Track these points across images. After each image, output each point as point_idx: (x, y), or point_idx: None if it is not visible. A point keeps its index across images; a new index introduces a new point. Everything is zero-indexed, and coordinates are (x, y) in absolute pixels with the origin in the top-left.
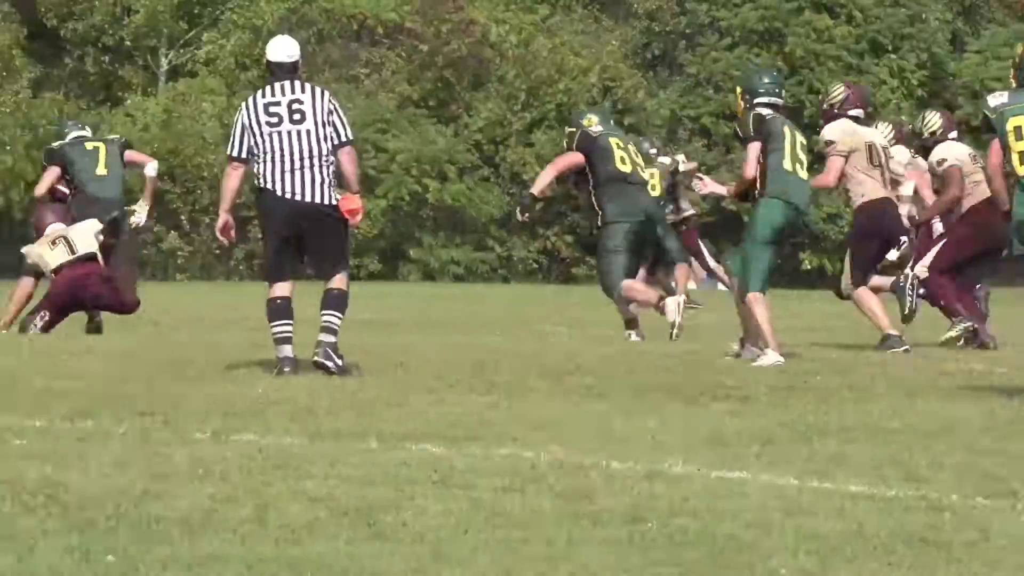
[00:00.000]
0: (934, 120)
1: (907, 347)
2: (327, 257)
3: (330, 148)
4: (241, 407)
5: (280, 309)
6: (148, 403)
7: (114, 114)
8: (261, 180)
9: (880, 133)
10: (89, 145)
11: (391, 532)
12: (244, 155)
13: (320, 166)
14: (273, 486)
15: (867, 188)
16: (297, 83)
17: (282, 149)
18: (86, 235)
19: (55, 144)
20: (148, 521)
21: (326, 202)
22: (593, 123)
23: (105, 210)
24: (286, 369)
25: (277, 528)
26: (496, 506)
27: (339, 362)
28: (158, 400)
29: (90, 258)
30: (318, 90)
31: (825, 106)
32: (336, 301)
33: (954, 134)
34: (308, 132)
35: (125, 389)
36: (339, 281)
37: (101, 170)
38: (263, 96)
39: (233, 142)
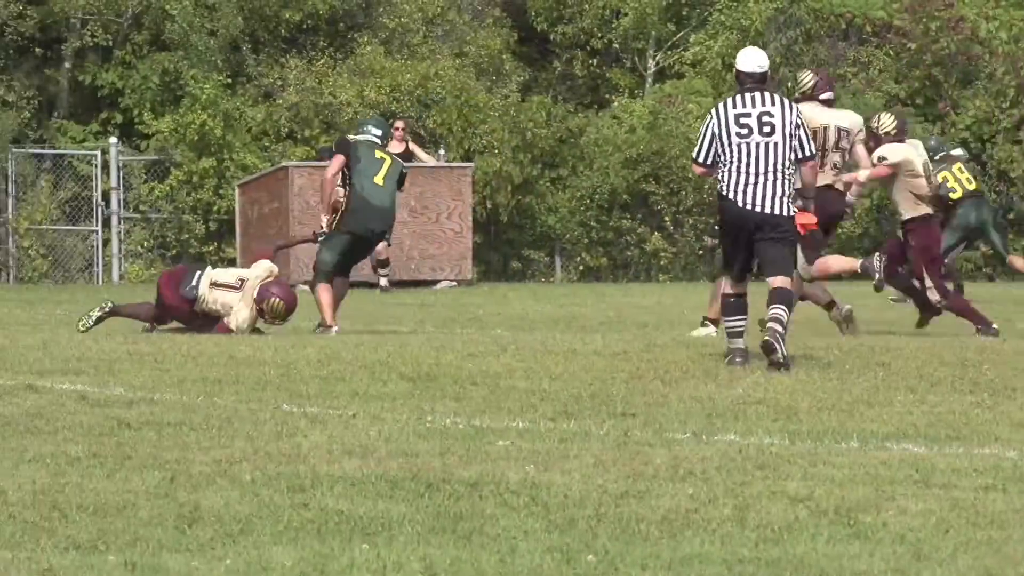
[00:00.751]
0: (887, 121)
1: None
2: (775, 263)
3: (792, 161)
4: (722, 407)
5: (734, 305)
6: (630, 404)
7: (601, 117)
8: (724, 189)
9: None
10: (378, 154)
11: (871, 532)
12: (709, 161)
13: (782, 179)
14: (753, 486)
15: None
16: (767, 94)
17: (748, 160)
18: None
19: (350, 136)
20: (628, 521)
21: (784, 213)
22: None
23: (378, 216)
24: (737, 360)
25: (757, 528)
26: (977, 505)
27: (784, 350)
28: (640, 401)
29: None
30: (787, 103)
31: (797, 94)
32: (781, 296)
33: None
34: (776, 145)
35: (607, 390)
36: (782, 281)
37: (379, 179)
38: (733, 106)
39: (700, 147)
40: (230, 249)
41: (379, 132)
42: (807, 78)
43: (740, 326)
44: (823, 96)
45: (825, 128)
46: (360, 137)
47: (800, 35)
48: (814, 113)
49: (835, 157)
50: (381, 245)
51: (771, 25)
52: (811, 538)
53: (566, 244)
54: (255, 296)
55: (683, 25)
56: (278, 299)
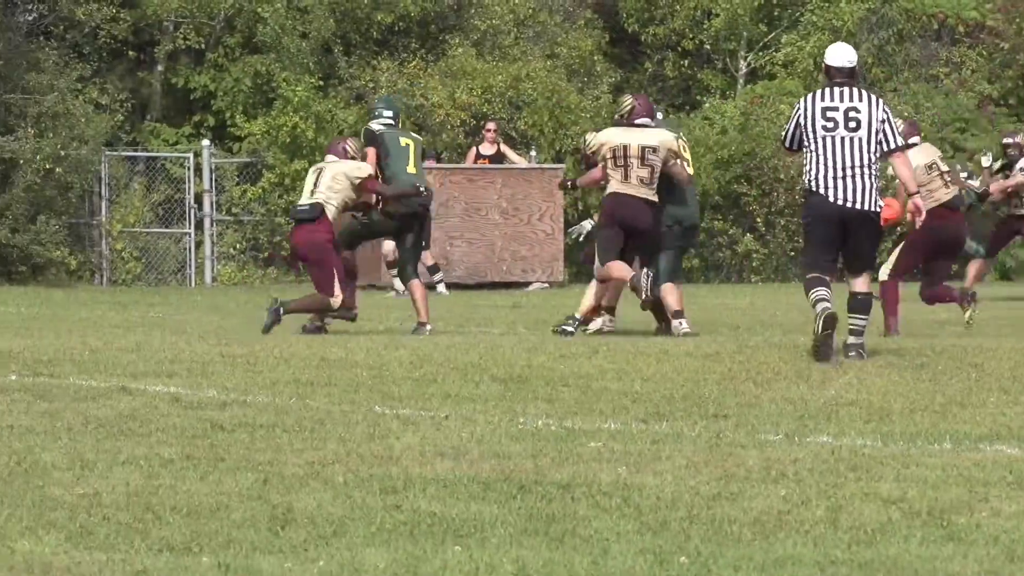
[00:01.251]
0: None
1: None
2: (860, 258)
3: (878, 155)
4: (814, 409)
5: (817, 279)
6: (722, 405)
7: (692, 118)
8: (811, 183)
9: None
10: (402, 141)
11: (964, 534)
12: (795, 147)
13: (869, 174)
14: (846, 488)
15: (611, 184)
16: (855, 90)
17: (834, 154)
18: None
19: (374, 127)
20: (721, 522)
21: (871, 208)
22: None
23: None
24: (827, 319)
25: (849, 530)
26: None
27: (865, 355)
28: (732, 402)
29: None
30: (874, 98)
31: (616, 116)
32: (861, 305)
33: (915, 139)
34: (861, 140)
35: (699, 391)
36: (862, 285)
37: (411, 168)
38: (821, 99)
39: (787, 133)
40: None
41: (391, 113)
42: (627, 102)
43: (824, 294)
44: (639, 121)
45: (626, 146)
46: (381, 127)
47: (892, 35)
48: (614, 134)
49: (642, 172)
50: (424, 253)
51: (863, 25)
52: (904, 540)
53: None
54: (335, 157)
55: (775, 26)
56: (342, 145)
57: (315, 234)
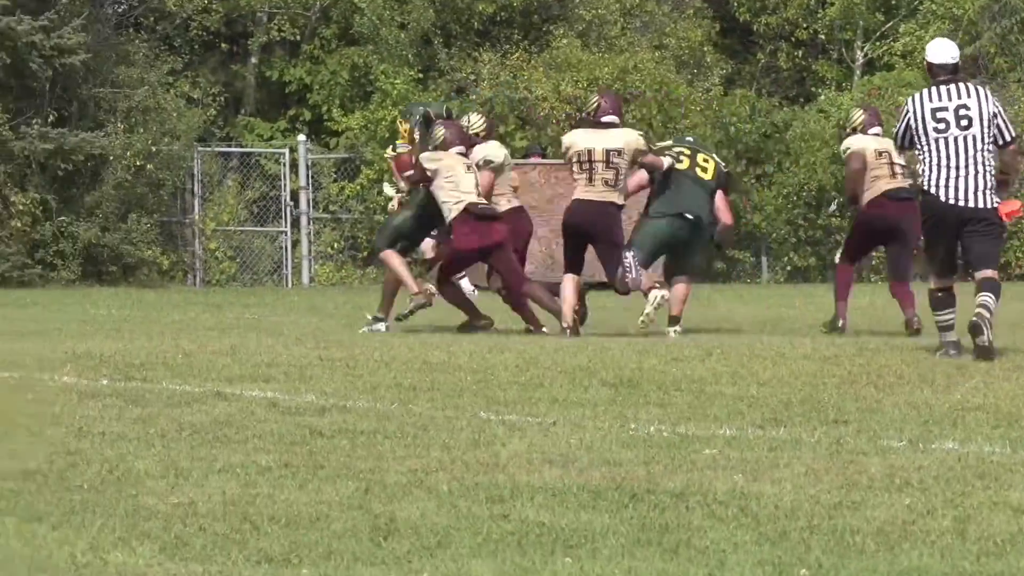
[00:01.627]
0: (857, 116)
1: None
2: (982, 257)
3: (992, 150)
4: (939, 414)
5: (942, 300)
6: (842, 410)
7: (807, 111)
8: (927, 184)
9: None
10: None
11: None
12: (907, 146)
13: (984, 171)
14: (973, 496)
15: (575, 188)
16: (962, 86)
17: (947, 155)
18: None
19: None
20: (843, 533)
21: (987, 206)
22: None
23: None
24: (951, 352)
25: (978, 541)
26: None
27: (990, 336)
28: (852, 407)
29: None
30: (982, 92)
31: (584, 114)
32: (990, 285)
33: (877, 129)
34: (974, 137)
35: (818, 396)
36: (990, 272)
37: None
38: (929, 99)
39: (898, 132)
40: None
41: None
42: (593, 100)
43: (950, 319)
44: (605, 119)
45: (591, 151)
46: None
47: (1016, 24)
48: (579, 137)
49: (607, 175)
50: (428, 243)
51: (985, 14)
52: None
53: (772, 243)
54: (449, 150)
55: (892, 15)
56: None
57: (503, 229)
